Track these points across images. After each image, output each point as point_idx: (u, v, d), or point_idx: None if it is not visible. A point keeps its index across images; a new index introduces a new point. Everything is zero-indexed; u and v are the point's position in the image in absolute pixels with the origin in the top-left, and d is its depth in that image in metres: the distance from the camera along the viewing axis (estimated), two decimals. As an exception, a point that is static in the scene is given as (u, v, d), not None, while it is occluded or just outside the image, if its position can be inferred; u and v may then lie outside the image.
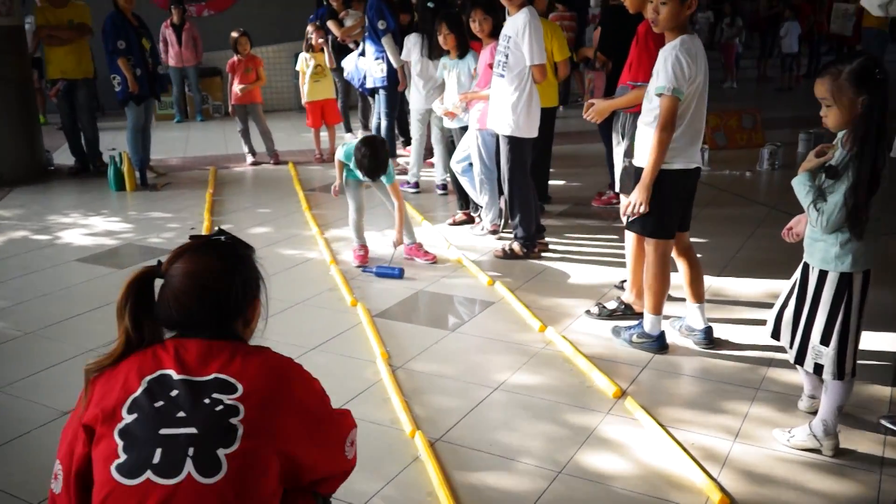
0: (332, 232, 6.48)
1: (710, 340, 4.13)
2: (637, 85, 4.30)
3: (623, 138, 4.51)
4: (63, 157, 10.25)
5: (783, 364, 3.73)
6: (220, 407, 1.75)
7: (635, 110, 4.36)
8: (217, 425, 1.73)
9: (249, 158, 9.58)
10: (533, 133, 5.49)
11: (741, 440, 3.28)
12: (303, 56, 9.45)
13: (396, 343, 4.33)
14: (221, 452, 1.71)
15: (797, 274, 3.22)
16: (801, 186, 3.06)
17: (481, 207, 6.25)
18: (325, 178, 8.49)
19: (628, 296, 4.59)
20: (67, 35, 8.81)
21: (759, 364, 3.93)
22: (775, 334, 3.33)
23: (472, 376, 3.92)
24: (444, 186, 7.69)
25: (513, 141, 5.43)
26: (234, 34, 9.48)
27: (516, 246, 5.65)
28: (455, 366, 4.05)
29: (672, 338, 4.23)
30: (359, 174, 5.35)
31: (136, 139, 8.61)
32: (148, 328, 1.89)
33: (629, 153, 4.39)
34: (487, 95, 5.65)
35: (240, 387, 1.78)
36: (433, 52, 7.07)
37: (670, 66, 3.71)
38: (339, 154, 5.56)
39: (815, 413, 3.24)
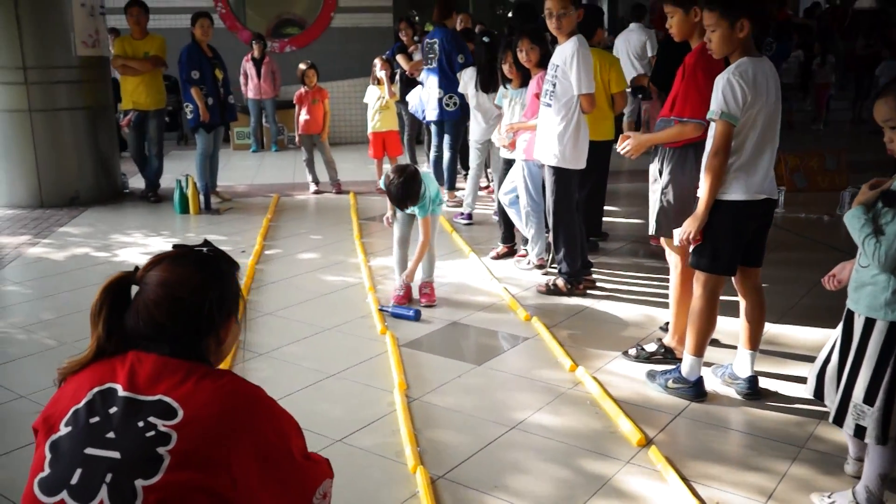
0: (377, 260, 6.26)
1: (754, 391, 3.71)
2: (682, 121, 3.89)
3: (660, 175, 4.08)
4: (139, 181, 10.32)
5: (834, 420, 3.28)
6: (151, 433, 1.57)
7: (676, 145, 3.97)
8: (141, 453, 1.55)
9: (312, 187, 9.49)
10: (579, 164, 5.15)
11: (773, 502, 2.86)
12: (369, 88, 9.35)
13: (419, 374, 4.05)
14: (139, 483, 1.53)
15: (841, 323, 2.80)
16: (854, 220, 2.66)
17: (528, 240, 5.91)
18: (383, 209, 8.19)
19: (669, 339, 4.19)
20: (140, 66, 8.61)
21: (808, 419, 3.50)
22: (818, 392, 2.89)
23: (490, 413, 3.60)
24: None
25: (558, 172, 5.11)
26: (302, 66, 9.53)
27: (560, 282, 5.29)
28: (474, 401, 3.74)
29: (713, 385, 3.82)
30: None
31: (203, 165, 8.63)
32: (118, 336, 1.74)
33: (667, 192, 4.01)
34: (534, 126, 5.35)
35: (180, 412, 1.60)
36: (487, 85, 6.86)
37: (720, 90, 3.38)
38: (381, 182, 5.27)
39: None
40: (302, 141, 9.47)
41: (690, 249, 3.67)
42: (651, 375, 3.88)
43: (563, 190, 5.15)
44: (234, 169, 11.43)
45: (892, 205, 2.56)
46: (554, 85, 5.02)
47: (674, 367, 3.82)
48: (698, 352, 3.67)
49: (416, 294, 5.24)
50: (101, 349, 1.74)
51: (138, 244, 6.97)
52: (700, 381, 3.70)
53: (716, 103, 3.40)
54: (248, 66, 12.95)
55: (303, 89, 9.43)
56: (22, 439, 3.42)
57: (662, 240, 4.17)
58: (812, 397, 2.93)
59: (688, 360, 3.69)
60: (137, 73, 8.64)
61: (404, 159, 10.22)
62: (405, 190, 4.87)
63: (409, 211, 5.12)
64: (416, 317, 4.87)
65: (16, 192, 8.69)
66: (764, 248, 3.74)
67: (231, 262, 1.88)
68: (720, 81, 3.41)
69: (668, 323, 4.41)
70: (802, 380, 3.76)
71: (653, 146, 4.09)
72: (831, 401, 2.80)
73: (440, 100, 8.15)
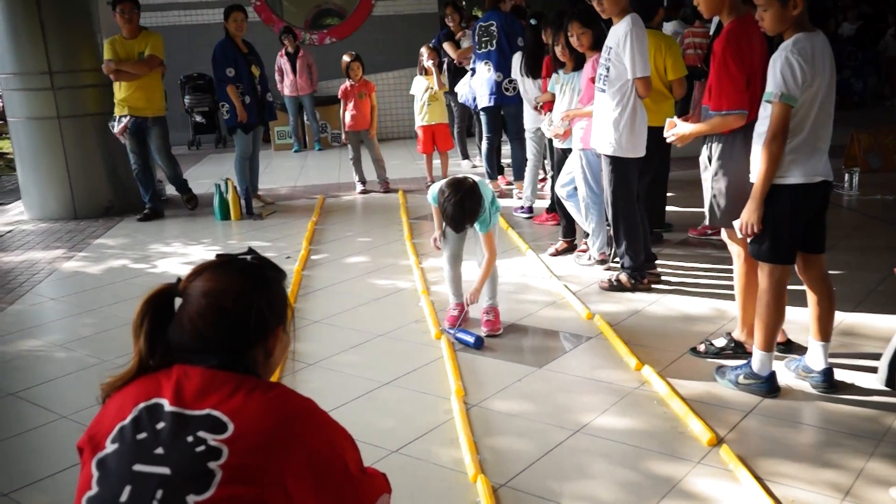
0: (430, 261, 6.40)
1: (829, 383, 3.81)
2: (720, 113, 4.00)
3: (710, 162, 4.18)
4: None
5: (914, 412, 3.37)
6: (202, 448, 1.64)
7: (723, 132, 4.08)
8: (192, 468, 1.63)
9: (359, 187, 9.66)
10: (638, 152, 5.26)
11: (851, 499, 2.97)
12: (416, 79, 9.48)
13: (476, 379, 4.20)
14: (192, 499, 1.60)
15: None
16: None
17: (588, 234, 6.04)
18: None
19: (739, 333, 4.30)
20: (135, 69, 8.30)
21: (885, 412, 3.58)
22: (890, 382, 2.98)
23: (553, 417, 3.74)
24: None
25: (615, 161, 5.23)
26: (346, 58, 9.61)
27: (623, 277, 5.41)
28: (536, 405, 3.88)
29: (786, 380, 3.93)
30: None
31: (243, 167, 8.82)
32: (162, 350, 1.82)
33: (718, 180, 4.12)
34: (590, 112, 5.46)
35: (231, 426, 1.67)
36: (532, 69, 6.97)
37: (779, 70, 3.48)
38: (429, 196, 4.91)
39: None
40: (349, 138, 9.63)
41: (749, 240, 3.79)
42: (721, 372, 3.99)
43: (621, 180, 5.26)
44: (276, 170, 11.70)
45: None
46: (608, 69, 5.13)
47: (744, 362, 3.92)
48: (768, 346, 3.78)
49: (474, 314, 5.01)
50: (144, 364, 1.81)
51: (178, 254, 7.21)
52: (772, 375, 3.80)
53: (774, 84, 3.50)
54: (282, 61, 13.16)
55: (348, 83, 9.55)
56: (65, 461, 3.57)
57: (723, 229, 4.27)
58: (883, 387, 3.01)
59: (758, 356, 3.80)
60: (133, 77, 8.37)
61: (455, 153, 10.38)
62: (463, 209, 4.45)
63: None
64: (478, 344, 4.64)
65: (48, 204, 8.95)
66: (825, 233, 3.84)
67: (277, 269, 1.95)
68: (778, 60, 3.50)
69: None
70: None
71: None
72: (905, 389, 2.89)
73: (499, 84, 8.26)
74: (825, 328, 3.86)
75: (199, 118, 14.39)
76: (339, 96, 9.70)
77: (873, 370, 3.92)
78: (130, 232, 8.22)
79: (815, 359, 3.86)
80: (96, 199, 9.00)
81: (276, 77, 13.09)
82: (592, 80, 5.44)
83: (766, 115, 3.61)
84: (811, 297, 3.89)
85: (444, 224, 4.79)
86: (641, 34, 5.05)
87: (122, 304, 5.78)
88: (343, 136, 9.68)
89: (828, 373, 3.82)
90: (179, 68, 13.87)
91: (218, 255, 1.91)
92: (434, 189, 4.79)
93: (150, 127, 8.58)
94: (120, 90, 8.44)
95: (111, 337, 5.14)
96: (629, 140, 5.18)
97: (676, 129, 4.24)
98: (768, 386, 3.79)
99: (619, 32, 5.05)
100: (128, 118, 8.42)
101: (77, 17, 8.75)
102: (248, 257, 1.92)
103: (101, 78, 8.77)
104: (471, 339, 4.67)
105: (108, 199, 9.03)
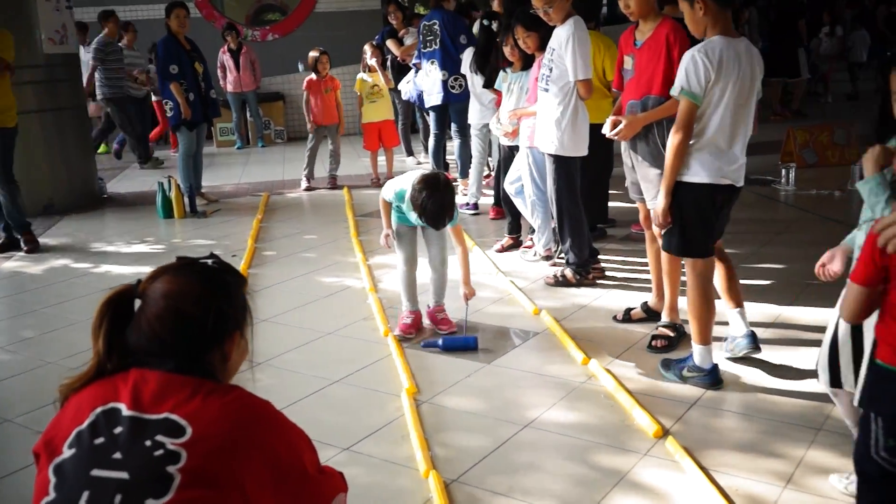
0: (377, 258, 6.41)
1: (755, 344, 4.04)
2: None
3: (664, 149, 4.34)
4: (118, 185, 10.47)
5: (852, 401, 3.47)
6: (160, 452, 1.65)
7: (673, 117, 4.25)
8: (151, 472, 1.63)
9: (304, 183, 9.62)
10: (580, 151, 5.34)
11: (792, 487, 3.06)
12: (360, 76, 9.49)
13: (426, 376, 4.23)
14: (150, 503, 1.61)
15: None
16: (872, 186, 2.72)
17: (534, 230, 6.10)
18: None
19: (653, 300, 4.69)
20: None
21: (824, 401, 3.66)
22: (835, 382, 3.01)
23: (502, 413, 3.79)
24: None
25: (558, 160, 5.30)
26: (315, 53, 9.61)
27: (568, 272, 5.48)
28: (485, 401, 3.92)
29: (732, 371, 4.04)
30: (411, 218, 4.58)
31: (187, 165, 8.75)
32: (120, 352, 1.82)
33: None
34: (535, 112, 5.51)
35: (189, 430, 1.68)
36: (482, 67, 7.04)
37: (683, 67, 3.65)
38: (388, 194, 4.75)
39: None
40: (315, 130, 9.57)
41: (661, 233, 3.96)
42: (666, 365, 4.08)
43: (564, 178, 5.33)
44: (219, 168, 11.62)
45: None
46: (551, 69, 5.21)
47: (688, 355, 4.01)
48: (704, 340, 3.89)
49: (426, 320, 5.01)
50: (102, 366, 1.81)
51: (121, 253, 7.13)
52: (715, 368, 3.90)
53: (678, 80, 3.66)
54: (224, 57, 13.09)
55: (313, 76, 9.54)
56: (10, 465, 3.51)
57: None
58: (829, 388, 3.03)
59: (697, 349, 3.91)
60: None
61: (399, 150, 10.41)
62: (444, 206, 4.40)
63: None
64: (475, 343, 4.59)
65: (-16, 202, 8.74)
66: (726, 222, 4.03)
67: (237, 274, 1.97)
68: (686, 58, 3.66)
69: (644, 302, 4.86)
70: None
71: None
72: (850, 385, 2.93)
73: (444, 82, 8.28)
74: (735, 295, 4.12)
75: (139, 114, 14.21)
76: (304, 88, 9.67)
77: (815, 347, 4.05)
78: (71, 231, 8.10)
79: (737, 326, 4.08)
80: (35, 197, 8.67)
81: (219, 73, 13.02)
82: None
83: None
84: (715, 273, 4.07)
85: (393, 222, 4.85)
86: (584, 37, 5.12)
87: (65, 305, 5.69)
88: (309, 126, 9.54)
89: (751, 335, 4.04)
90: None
91: (178, 258, 1.91)
92: (398, 186, 4.64)
93: None
94: None
95: (55, 338, 5.07)
96: (571, 139, 5.25)
97: (627, 124, 4.34)
98: (711, 378, 3.88)
99: (563, 35, 5.11)
100: None
101: (14, 12, 8.52)
102: (210, 261, 1.92)
103: (39, 74, 8.63)
104: (470, 341, 4.61)
105: (48, 197, 8.85)
